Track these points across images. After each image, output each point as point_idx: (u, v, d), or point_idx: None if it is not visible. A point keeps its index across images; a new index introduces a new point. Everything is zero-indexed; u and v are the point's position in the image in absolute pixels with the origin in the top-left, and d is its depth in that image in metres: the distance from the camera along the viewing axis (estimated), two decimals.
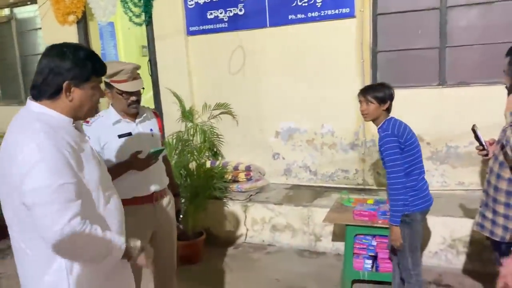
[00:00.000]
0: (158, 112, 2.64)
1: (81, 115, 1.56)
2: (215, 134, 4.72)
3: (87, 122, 2.24)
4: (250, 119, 4.67)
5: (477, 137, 2.23)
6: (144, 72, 5.47)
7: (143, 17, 4.93)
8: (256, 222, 4.15)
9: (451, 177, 3.94)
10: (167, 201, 2.47)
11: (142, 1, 4.84)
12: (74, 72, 1.47)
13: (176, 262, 2.61)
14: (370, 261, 3.15)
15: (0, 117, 3.59)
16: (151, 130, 2.38)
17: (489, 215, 2.07)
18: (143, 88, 2.30)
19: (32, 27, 5.99)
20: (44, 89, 1.47)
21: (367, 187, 4.28)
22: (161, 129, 2.55)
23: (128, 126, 2.30)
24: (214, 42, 4.67)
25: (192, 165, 4.26)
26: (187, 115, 4.72)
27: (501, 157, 2.00)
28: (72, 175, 1.40)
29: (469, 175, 3.87)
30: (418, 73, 3.96)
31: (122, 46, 8.44)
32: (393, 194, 2.45)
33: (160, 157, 2.39)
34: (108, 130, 2.24)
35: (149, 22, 4.94)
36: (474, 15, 3.73)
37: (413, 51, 3.96)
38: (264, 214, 4.10)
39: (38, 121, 1.44)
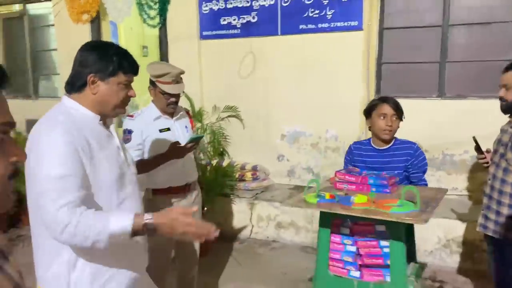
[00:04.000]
0: None
1: (107, 111, 1.57)
2: (222, 135, 4.94)
3: (131, 116, 2.46)
4: (257, 122, 4.90)
5: (478, 147, 2.49)
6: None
7: (157, 19, 5.13)
8: (261, 219, 4.37)
9: (446, 183, 4.22)
10: (196, 194, 2.69)
11: (157, 4, 5.05)
12: (99, 65, 1.51)
13: (198, 253, 2.83)
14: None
15: None
16: (186, 127, 2.60)
17: (492, 216, 2.31)
18: (183, 92, 2.52)
19: (45, 24, 6.14)
20: (74, 82, 1.53)
21: None
22: (193, 127, 2.77)
23: (167, 122, 2.52)
24: (226, 47, 4.89)
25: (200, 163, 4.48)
26: (196, 115, 4.92)
27: (504, 164, 2.25)
28: (78, 169, 1.41)
29: (462, 182, 4.16)
30: (419, 85, 4.25)
31: (124, 45, 8.54)
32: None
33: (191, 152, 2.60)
34: (149, 125, 2.46)
35: (163, 25, 5.15)
36: (473, 34, 4.04)
37: (415, 64, 4.25)
38: (269, 212, 4.33)
39: (62, 115, 1.50)
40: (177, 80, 2.46)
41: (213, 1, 4.85)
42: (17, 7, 6.28)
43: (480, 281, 3.42)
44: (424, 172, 2.60)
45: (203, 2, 4.90)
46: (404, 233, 2.16)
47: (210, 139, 4.85)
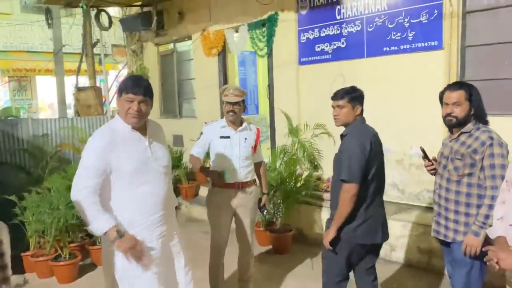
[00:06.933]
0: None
1: (124, 119, 2.20)
2: (315, 149, 5.45)
3: (206, 123, 3.32)
4: None
5: (426, 156, 2.72)
6: (263, 96, 6.59)
7: (265, 50, 6.00)
8: None
9: None
10: (250, 191, 3.32)
11: (265, 38, 5.92)
12: (118, 88, 2.23)
13: (253, 234, 3.44)
14: None
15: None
16: (245, 139, 3.26)
17: (442, 221, 2.54)
18: (238, 103, 3.16)
19: (187, 58, 7.64)
20: None
21: None
22: (257, 141, 3.39)
23: (229, 131, 3.25)
24: (319, 70, 5.44)
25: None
26: (293, 131, 5.57)
27: (446, 175, 2.51)
28: (99, 163, 2.11)
29: None
30: (504, 102, 4.08)
31: (260, 72, 9.72)
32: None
33: (247, 159, 3.29)
34: (215, 132, 3.25)
35: (270, 54, 5.99)
36: None
37: (500, 81, 4.11)
38: None
39: (107, 125, 2.24)
40: (234, 93, 3.16)
41: (309, 31, 5.48)
42: (170, 46, 7.96)
43: None
44: None
45: (301, 33, 5.57)
46: None
47: (303, 153, 5.42)
